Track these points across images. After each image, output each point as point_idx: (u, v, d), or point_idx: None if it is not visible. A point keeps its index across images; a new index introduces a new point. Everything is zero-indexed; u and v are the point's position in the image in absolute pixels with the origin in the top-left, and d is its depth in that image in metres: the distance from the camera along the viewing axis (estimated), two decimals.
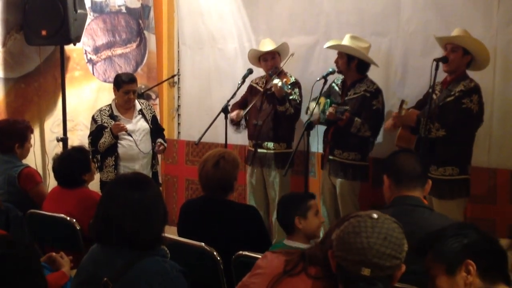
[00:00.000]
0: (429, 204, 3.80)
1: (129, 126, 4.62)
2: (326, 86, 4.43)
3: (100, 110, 4.73)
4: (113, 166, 4.61)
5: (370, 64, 4.39)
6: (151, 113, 4.85)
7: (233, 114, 4.86)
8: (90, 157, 3.83)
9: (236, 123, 4.92)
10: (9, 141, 3.99)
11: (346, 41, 4.38)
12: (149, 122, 4.77)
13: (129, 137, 4.62)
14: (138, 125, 4.71)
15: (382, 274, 1.64)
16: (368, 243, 1.63)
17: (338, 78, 4.56)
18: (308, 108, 4.56)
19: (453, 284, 1.77)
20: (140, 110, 4.76)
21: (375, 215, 1.69)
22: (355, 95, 4.36)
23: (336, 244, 1.71)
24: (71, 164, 3.63)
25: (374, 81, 4.38)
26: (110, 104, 4.73)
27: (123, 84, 4.61)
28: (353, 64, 4.35)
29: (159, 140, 4.81)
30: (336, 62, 4.42)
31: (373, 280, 1.64)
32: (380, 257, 1.62)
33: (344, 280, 1.70)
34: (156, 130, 4.84)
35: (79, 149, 3.84)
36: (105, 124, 4.61)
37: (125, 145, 4.64)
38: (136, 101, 4.78)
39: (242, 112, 4.82)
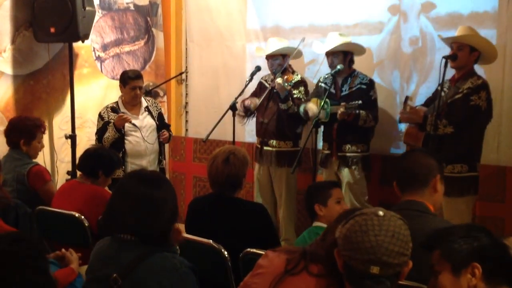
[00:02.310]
0: None
1: (135, 123, 4.65)
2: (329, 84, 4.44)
3: (107, 107, 4.75)
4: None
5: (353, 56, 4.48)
6: (157, 110, 4.86)
7: (248, 101, 4.83)
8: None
9: (247, 112, 4.88)
10: (15, 136, 4.01)
11: (337, 39, 4.41)
12: (155, 119, 4.78)
13: (136, 134, 4.64)
14: (144, 121, 4.73)
15: (391, 272, 1.63)
16: (377, 241, 1.62)
17: (325, 76, 4.56)
18: (305, 110, 4.53)
19: (456, 284, 1.78)
20: (147, 107, 4.78)
21: (380, 213, 1.68)
22: (351, 90, 4.42)
23: (343, 243, 1.69)
24: (105, 154, 3.72)
25: (364, 73, 4.46)
26: (117, 101, 4.75)
27: (129, 80, 4.63)
28: (347, 60, 4.44)
29: (164, 130, 4.81)
30: (331, 62, 4.44)
31: (381, 277, 1.63)
32: (389, 254, 1.62)
33: (351, 278, 1.68)
34: (162, 127, 4.84)
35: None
36: (112, 121, 4.63)
37: (132, 141, 4.66)
38: (143, 98, 4.80)
39: (257, 101, 4.79)
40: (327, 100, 4.34)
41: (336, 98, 4.45)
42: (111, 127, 4.58)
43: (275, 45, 4.75)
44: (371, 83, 4.43)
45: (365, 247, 1.63)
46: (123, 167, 4.62)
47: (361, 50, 4.49)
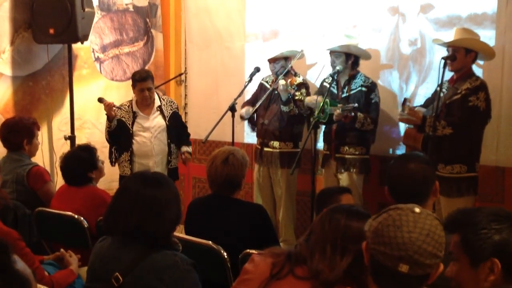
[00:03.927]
0: (437, 203, 3.82)
1: (145, 123, 4.65)
2: (330, 85, 4.45)
3: (121, 105, 4.76)
4: (129, 161, 4.66)
5: (359, 58, 4.45)
6: (171, 109, 4.77)
7: (242, 110, 4.87)
8: (97, 154, 3.85)
9: (249, 121, 4.94)
10: (17, 138, 4.00)
11: (342, 40, 4.42)
12: (167, 119, 4.71)
13: (144, 134, 4.64)
14: (154, 121, 4.70)
15: (420, 272, 1.54)
16: (410, 238, 1.53)
17: (328, 76, 4.57)
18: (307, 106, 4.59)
19: (473, 276, 1.72)
20: (159, 106, 4.73)
21: (417, 209, 1.58)
22: (352, 92, 4.40)
23: (373, 236, 1.60)
24: (77, 162, 3.67)
25: (367, 76, 4.42)
26: (131, 100, 4.75)
27: (136, 82, 4.62)
28: (350, 61, 4.41)
29: (184, 148, 4.74)
30: (333, 62, 4.44)
31: (409, 277, 1.54)
32: (421, 254, 1.52)
33: (376, 274, 1.61)
34: (175, 127, 4.76)
35: (84, 148, 3.86)
36: (123, 119, 4.64)
37: (139, 141, 4.65)
38: (157, 97, 4.76)
39: (251, 109, 4.81)
40: (327, 100, 4.34)
41: (337, 98, 4.45)
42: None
43: (278, 46, 4.78)
44: (372, 86, 4.39)
45: (396, 243, 1.54)
46: (130, 165, 4.65)
47: (363, 54, 4.44)
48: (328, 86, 4.54)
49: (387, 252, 1.55)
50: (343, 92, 4.46)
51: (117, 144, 4.71)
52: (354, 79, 4.43)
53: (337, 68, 4.41)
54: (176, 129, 4.79)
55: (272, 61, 4.77)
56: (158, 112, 4.72)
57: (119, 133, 4.64)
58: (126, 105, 4.72)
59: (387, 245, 1.55)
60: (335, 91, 4.52)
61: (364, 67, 4.54)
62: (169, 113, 4.75)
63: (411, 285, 1.57)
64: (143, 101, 4.67)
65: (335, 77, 4.42)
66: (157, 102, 4.73)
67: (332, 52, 4.45)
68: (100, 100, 4.62)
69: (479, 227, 1.73)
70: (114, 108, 4.57)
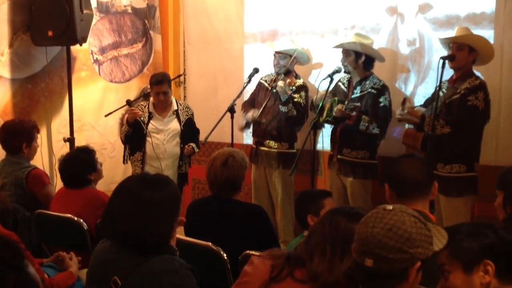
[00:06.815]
0: (437, 202, 3.82)
1: (159, 125, 4.67)
2: (332, 85, 4.43)
3: (138, 105, 4.78)
4: (141, 161, 4.69)
5: (375, 60, 4.39)
6: (187, 115, 4.81)
7: (249, 116, 4.86)
8: (96, 156, 3.85)
9: (247, 125, 4.95)
10: (17, 140, 3.99)
11: (352, 39, 4.39)
12: (182, 124, 4.73)
13: (158, 136, 4.66)
14: (169, 124, 4.72)
15: (387, 267, 1.57)
16: (372, 232, 1.59)
17: (344, 77, 4.56)
18: (312, 103, 4.58)
19: (469, 282, 1.73)
20: (176, 110, 4.75)
21: (389, 207, 1.64)
22: (362, 93, 4.36)
23: (352, 235, 1.68)
24: (77, 164, 3.66)
25: (380, 78, 4.37)
26: (149, 101, 4.77)
27: (152, 85, 4.67)
28: (360, 61, 4.35)
29: (191, 144, 4.74)
30: (343, 61, 4.41)
31: (378, 272, 1.58)
32: (382, 247, 1.56)
33: (355, 272, 1.65)
34: (188, 132, 4.77)
35: (83, 149, 3.86)
36: (138, 118, 4.65)
37: (152, 142, 4.66)
38: (175, 101, 4.80)
39: (256, 113, 4.80)
40: (335, 98, 4.33)
41: (347, 99, 4.42)
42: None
43: (288, 44, 4.80)
44: (382, 89, 4.28)
45: (360, 238, 1.61)
46: (142, 165, 4.66)
47: (372, 53, 4.36)
48: (341, 86, 4.53)
49: (356, 248, 1.63)
50: (353, 93, 4.42)
51: (131, 143, 4.73)
52: (366, 80, 4.37)
53: (336, 68, 4.40)
54: (190, 134, 4.79)
55: (278, 54, 4.77)
56: (174, 116, 4.74)
57: (133, 132, 4.65)
58: (143, 104, 4.75)
59: (356, 242, 1.63)
60: (345, 91, 4.50)
61: None
62: (185, 118, 4.78)
63: (385, 282, 1.60)
64: (159, 104, 4.69)
65: (333, 77, 4.41)
66: (174, 106, 4.75)
67: (343, 51, 4.41)
68: (129, 103, 4.63)
69: (466, 234, 1.78)
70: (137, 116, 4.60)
